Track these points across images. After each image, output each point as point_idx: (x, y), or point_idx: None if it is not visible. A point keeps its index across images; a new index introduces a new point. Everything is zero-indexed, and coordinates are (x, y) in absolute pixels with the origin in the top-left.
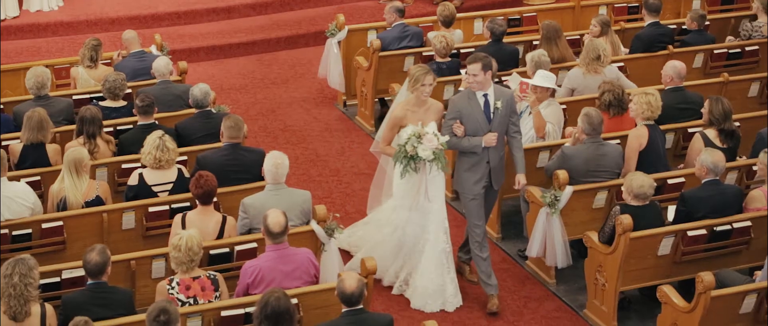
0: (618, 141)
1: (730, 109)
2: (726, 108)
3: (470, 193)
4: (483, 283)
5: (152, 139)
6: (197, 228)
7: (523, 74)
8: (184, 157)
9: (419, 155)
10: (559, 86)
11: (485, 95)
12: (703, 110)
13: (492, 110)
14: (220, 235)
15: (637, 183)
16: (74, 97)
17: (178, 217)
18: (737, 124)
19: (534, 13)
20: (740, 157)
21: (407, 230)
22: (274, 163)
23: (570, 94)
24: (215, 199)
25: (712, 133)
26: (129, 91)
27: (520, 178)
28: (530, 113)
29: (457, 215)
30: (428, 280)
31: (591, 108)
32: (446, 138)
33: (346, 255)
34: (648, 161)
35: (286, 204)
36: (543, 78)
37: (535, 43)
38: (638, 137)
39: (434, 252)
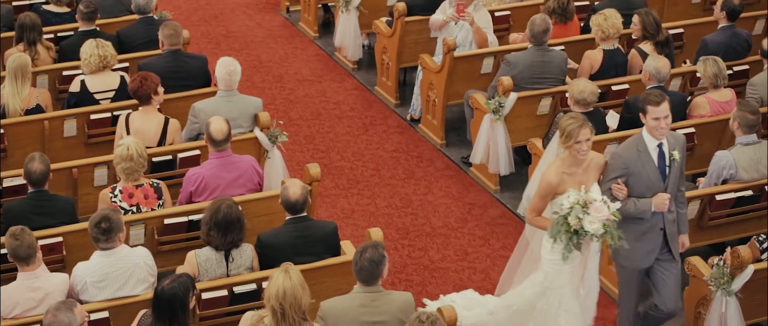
0: (562, 47)
1: (659, 17)
2: (656, 18)
3: (638, 266)
4: None
5: (88, 43)
6: (139, 127)
7: None
8: (126, 64)
9: (586, 229)
10: None
11: (659, 145)
12: (633, 28)
13: (667, 163)
14: (163, 137)
15: (578, 88)
16: (14, 3)
17: (122, 117)
18: (681, 30)
19: None
20: (685, 63)
21: (560, 321)
22: (227, 70)
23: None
24: (158, 107)
25: (648, 47)
26: None
27: (684, 240)
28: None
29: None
30: None
31: (538, 15)
32: (618, 205)
33: None
34: None
35: (238, 110)
36: None
37: None
38: (591, 59)
39: None
